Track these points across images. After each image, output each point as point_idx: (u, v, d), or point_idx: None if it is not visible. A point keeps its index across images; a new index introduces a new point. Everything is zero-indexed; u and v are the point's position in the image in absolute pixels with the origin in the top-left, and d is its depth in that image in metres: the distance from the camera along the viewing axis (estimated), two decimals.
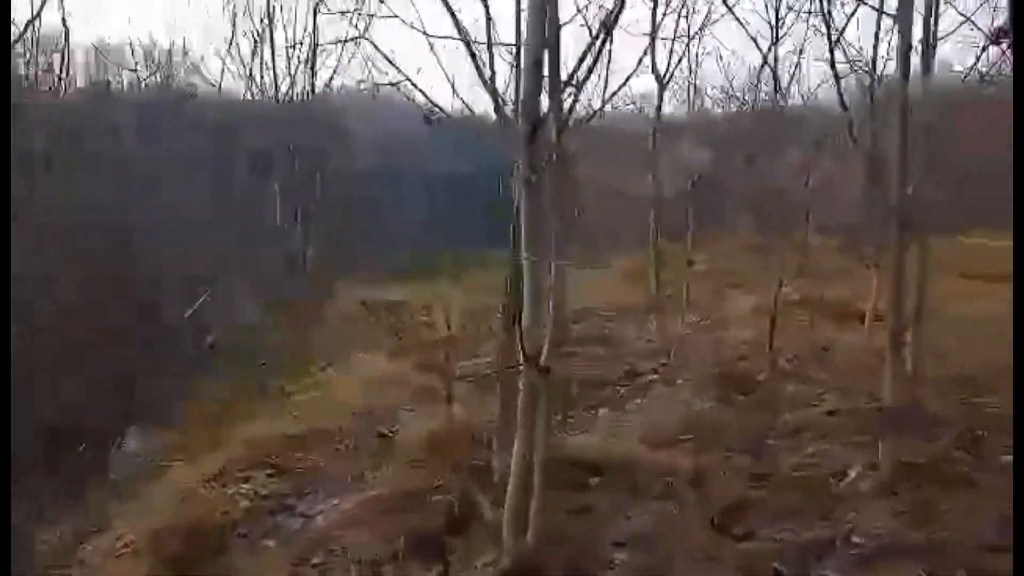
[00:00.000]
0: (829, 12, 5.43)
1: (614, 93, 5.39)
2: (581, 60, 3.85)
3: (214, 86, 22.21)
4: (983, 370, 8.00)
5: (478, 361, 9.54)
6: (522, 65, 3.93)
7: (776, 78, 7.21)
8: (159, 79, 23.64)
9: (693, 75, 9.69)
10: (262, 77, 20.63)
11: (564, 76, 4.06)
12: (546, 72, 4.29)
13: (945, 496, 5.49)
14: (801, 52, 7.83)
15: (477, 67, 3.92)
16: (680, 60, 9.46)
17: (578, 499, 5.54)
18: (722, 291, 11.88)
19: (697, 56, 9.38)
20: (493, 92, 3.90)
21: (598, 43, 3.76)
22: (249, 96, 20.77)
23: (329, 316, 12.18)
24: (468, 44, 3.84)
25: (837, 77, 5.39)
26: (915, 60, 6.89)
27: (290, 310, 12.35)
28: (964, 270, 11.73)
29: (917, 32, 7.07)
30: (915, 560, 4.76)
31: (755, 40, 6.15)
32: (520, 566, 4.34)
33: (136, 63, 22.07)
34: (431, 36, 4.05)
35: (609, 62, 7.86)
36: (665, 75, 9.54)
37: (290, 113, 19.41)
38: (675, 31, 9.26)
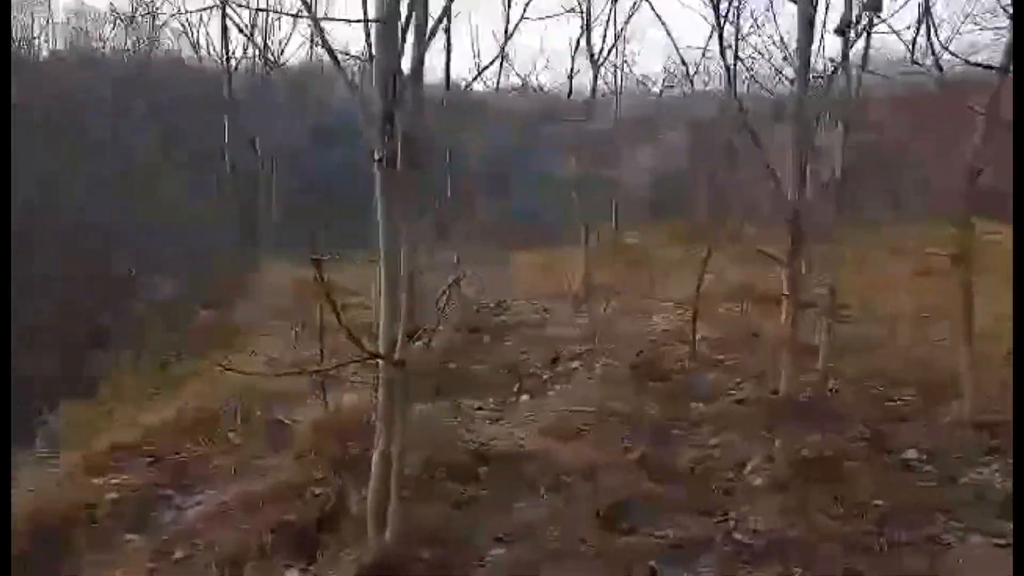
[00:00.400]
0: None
1: (479, 73, 5.09)
2: (433, 32, 3.64)
3: (196, 54, 21.36)
4: (898, 364, 8.00)
5: None
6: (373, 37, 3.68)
7: (684, 65, 6.97)
8: (140, 46, 22.47)
9: (619, 57, 9.32)
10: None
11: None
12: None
13: (837, 492, 5.44)
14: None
15: (320, 32, 3.67)
16: (616, 42, 9.19)
17: (465, 492, 5.40)
18: (656, 277, 11.78)
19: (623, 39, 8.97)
20: (338, 62, 3.65)
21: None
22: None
23: (260, 294, 11.89)
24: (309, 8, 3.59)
25: (728, 69, 5.20)
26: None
27: (223, 287, 12.04)
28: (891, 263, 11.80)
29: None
30: (793, 558, 4.70)
31: (664, 25, 5.89)
32: (379, 563, 4.19)
33: (115, 27, 21.03)
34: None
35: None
36: (598, 57, 9.29)
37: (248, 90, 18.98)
38: (610, 12, 8.97)
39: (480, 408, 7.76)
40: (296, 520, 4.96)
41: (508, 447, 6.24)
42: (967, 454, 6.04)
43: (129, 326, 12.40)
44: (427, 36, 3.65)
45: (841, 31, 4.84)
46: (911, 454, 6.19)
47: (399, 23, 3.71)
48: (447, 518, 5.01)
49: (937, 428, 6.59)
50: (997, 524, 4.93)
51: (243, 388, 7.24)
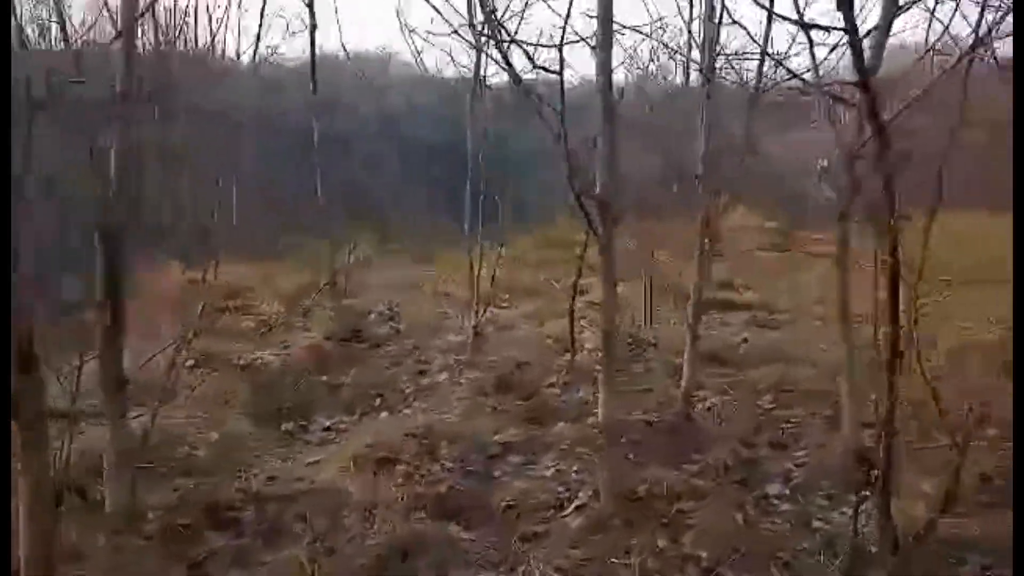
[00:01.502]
0: None
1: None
2: None
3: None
4: (807, 376, 7.10)
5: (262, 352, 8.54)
6: None
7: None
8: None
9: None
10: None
11: None
12: None
13: (665, 538, 4.55)
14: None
15: None
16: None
17: (213, 543, 4.54)
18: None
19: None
20: None
21: None
22: None
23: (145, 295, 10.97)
24: None
25: (510, 64, 4.37)
26: None
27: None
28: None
29: None
30: None
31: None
32: None
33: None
34: None
35: None
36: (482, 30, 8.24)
37: None
38: None
39: (328, 428, 6.94)
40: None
41: (304, 481, 5.38)
42: (838, 490, 5.14)
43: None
44: None
45: None
46: (774, 488, 5.30)
47: None
48: None
49: (817, 456, 5.69)
50: None
51: None
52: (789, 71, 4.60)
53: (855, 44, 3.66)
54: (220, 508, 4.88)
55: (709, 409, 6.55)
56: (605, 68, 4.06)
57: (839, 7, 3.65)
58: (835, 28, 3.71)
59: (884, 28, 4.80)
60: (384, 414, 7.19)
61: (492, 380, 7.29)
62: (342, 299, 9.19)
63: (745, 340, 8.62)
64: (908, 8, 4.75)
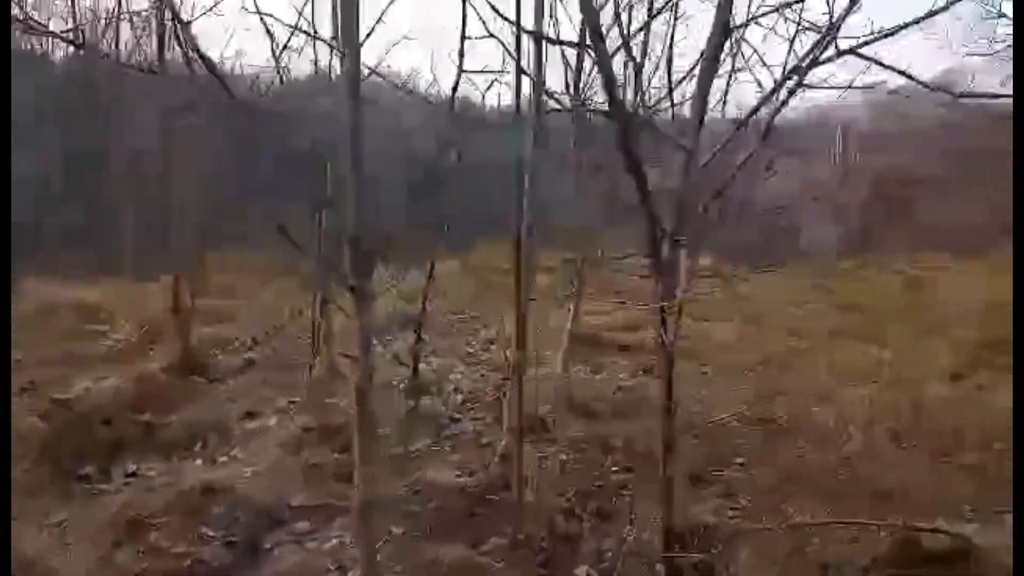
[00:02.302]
0: None
1: None
2: None
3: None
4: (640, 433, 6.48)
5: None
6: None
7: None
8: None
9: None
10: None
11: None
12: None
13: None
14: None
15: None
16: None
17: None
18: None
19: None
20: None
21: None
22: None
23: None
24: None
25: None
26: None
27: None
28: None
29: None
30: None
31: None
32: None
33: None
34: None
35: None
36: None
37: None
38: None
39: (133, 474, 6.18)
40: None
41: (37, 543, 4.62)
42: None
43: None
44: None
45: None
46: (580, 573, 4.66)
47: None
48: None
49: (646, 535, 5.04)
50: None
51: None
52: (547, 93, 4.00)
53: (604, 68, 3.13)
54: None
55: (544, 468, 5.91)
56: (351, 76, 3.39)
57: (589, 33, 3.13)
58: (573, 44, 3.19)
59: (710, 63, 4.24)
60: (199, 461, 6.47)
61: (319, 428, 6.58)
62: (208, 325, 8.44)
63: (620, 389, 8.02)
64: (733, 31, 4.22)
